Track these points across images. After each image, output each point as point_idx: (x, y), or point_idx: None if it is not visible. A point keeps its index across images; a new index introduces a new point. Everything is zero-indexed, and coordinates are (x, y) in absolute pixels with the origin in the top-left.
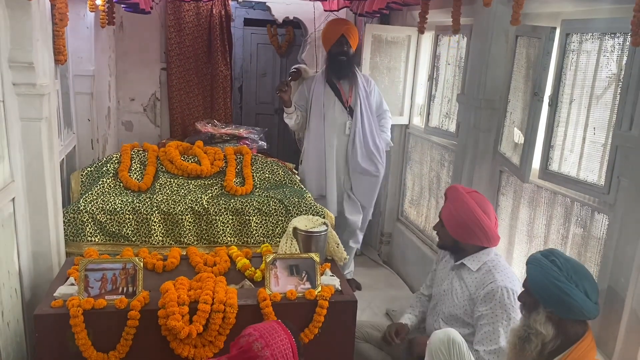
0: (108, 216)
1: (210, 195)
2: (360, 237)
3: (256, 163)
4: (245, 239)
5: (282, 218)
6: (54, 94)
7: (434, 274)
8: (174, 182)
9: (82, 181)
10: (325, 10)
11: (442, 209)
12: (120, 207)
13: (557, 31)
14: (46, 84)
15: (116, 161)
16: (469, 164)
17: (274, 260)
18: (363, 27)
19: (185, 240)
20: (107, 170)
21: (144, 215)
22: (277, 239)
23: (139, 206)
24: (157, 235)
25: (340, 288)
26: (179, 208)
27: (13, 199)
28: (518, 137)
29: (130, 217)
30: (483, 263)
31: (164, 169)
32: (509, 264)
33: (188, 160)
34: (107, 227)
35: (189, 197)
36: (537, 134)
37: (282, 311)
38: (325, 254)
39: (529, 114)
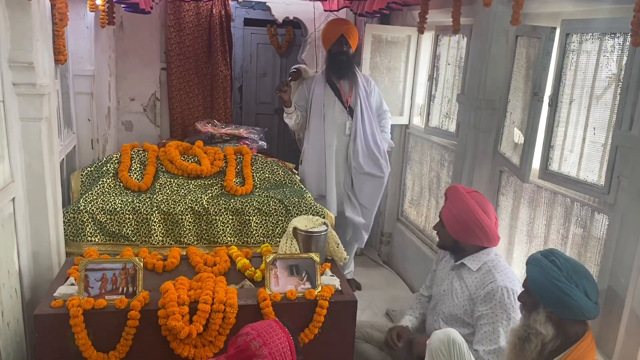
0: (108, 216)
1: (210, 195)
2: (365, 237)
3: (256, 163)
4: (245, 239)
5: (282, 218)
6: (54, 94)
7: (434, 275)
8: (174, 182)
9: (82, 181)
10: (325, 10)
11: (442, 209)
12: (120, 207)
13: (557, 31)
14: (46, 84)
15: (116, 161)
16: (469, 164)
17: (274, 260)
18: (363, 27)
19: (185, 240)
20: (107, 170)
21: (144, 215)
22: (277, 239)
23: (139, 206)
24: (157, 235)
25: (340, 288)
26: (179, 208)
27: (13, 199)
28: (518, 137)
29: (130, 217)
30: (483, 263)
31: (164, 169)
32: (509, 264)
33: (188, 160)
34: (107, 227)
35: (189, 197)
36: (537, 134)
37: (282, 311)
38: (325, 254)
39: (529, 114)
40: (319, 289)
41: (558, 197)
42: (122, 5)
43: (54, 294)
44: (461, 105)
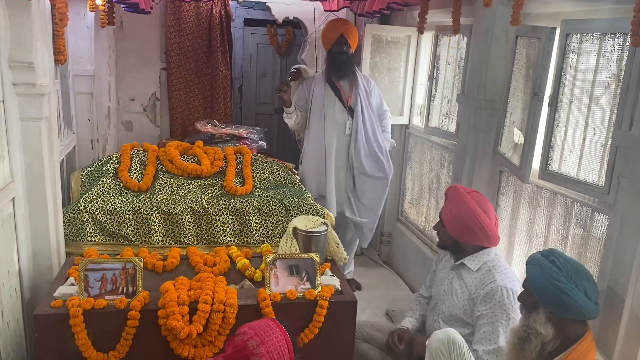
0: (108, 216)
1: (210, 195)
2: (370, 237)
3: (256, 163)
4: (245, 239)
5: (282, 218)
6: (54, 93)
7: (434, 275)
8: (174, 182)
9: (82, 181)
10: (325, 10)
11: (442, 209)
12: (120, 207)
13: (557, 31)
14: (46, 83)
15: (116, 161)
16: (469, 164)
17: (274, 260)
18: (363, 27)
19: (185, 240)
20: (107, 170)
21: (144, 215)
22: (277, 239)
23: (138, 206)
24: (157, 235)
25: (340, 288)
26: (179, 208)
27: (13, 199)
28: (518, 137)
29: (130, 217)
30: (483, 263)
31: (164, 169)
32: (509, 264)
33: (188, 160)
34: (107, 227)
35: (189, 197)
36: (537, 134)
37: (282, 311)
38: (325, 254)
39: (529, 114)
40: (319, 289)
41: (558, 197)
42: (122, 5)
43: (54, 294)
44: (461, 105)
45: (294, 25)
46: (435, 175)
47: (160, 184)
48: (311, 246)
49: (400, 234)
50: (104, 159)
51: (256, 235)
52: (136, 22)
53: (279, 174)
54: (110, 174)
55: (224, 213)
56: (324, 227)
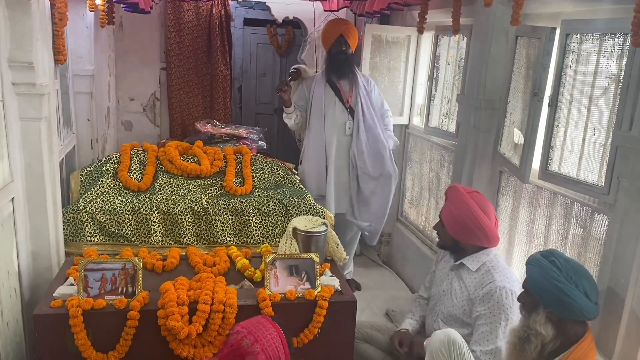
0: (107, 216)
1: (209, 195)
2: (376, 237)
3: (256, 163)
4: (244, 239)
5: (282, 218)
6: (53, 93)
7: (433, 275)
8: (173, 182)
9: (81, 181)
10: (325, 10)
11: (442, 209)
12: (120, 207)
13: (557, 31)
14: (46, 83)
15: (116, 161)
16: (468, 164)
17: (274, 261)
18: (363, 27)
19: (185, 240)
20: (107, 170)
21: (144, 215)
22: (277, 239)
23: (138, 206)
24: (156, 235)
25: (339, 288)
26: (179, 208)
27: (12, 198)
28: (518, 137)
29: (130, 217)
30: (482, 263)
31: (163, 169)
32: (508, 264)
33: (188, 160)
34: (107, 227)
35: (189, 197)
36: (537, 135)
37: (281, 311)
38: (325, 254)
39: (529, 114)
40: (319, 289)
41: (558, 198)
42: (122, 5)
43: (54, 294)
44: (461, 105)
45: (294, 25)
46: (435, 175)
47: (160, 184)
48: (311, 246)
49: (400, 234)
50: (104, 159)
51: (256, 235)
52: (136, 22)
53: (278, 174)
54: (110, 174)
55: (224, 213)
56: (323, 228)
